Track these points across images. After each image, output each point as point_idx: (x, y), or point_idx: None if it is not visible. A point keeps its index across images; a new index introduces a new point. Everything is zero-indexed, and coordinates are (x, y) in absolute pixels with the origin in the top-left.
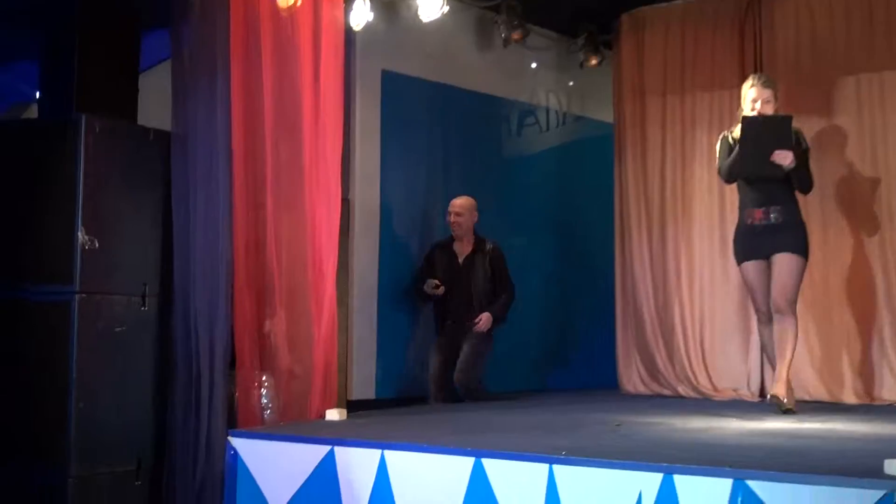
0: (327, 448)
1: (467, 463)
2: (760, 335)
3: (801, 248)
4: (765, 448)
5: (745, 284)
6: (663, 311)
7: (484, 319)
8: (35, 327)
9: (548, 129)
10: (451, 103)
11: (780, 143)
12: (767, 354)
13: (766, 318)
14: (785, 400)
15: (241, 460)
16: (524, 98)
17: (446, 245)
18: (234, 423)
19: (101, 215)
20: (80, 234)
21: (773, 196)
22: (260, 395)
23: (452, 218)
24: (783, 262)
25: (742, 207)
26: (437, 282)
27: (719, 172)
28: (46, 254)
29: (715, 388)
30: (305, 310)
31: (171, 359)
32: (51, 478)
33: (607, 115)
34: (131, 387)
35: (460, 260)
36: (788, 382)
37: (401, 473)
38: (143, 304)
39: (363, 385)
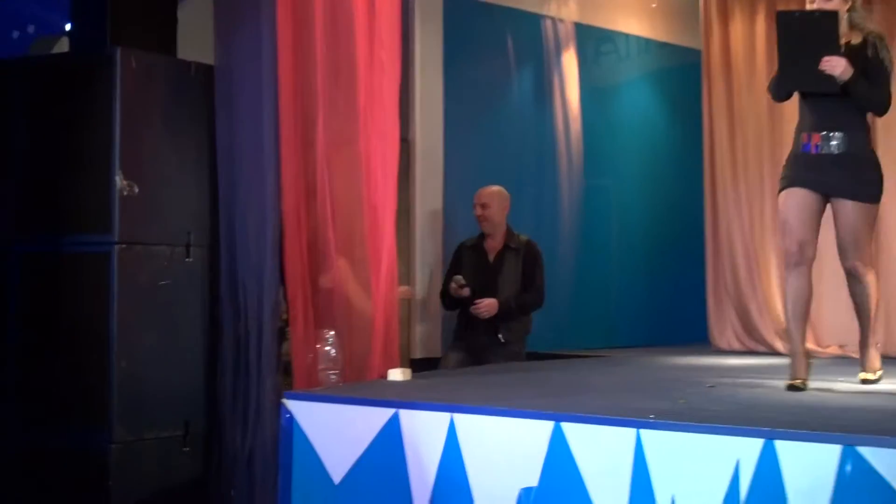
0: (391, 411)
1: (546, 427)
2: (787, 285)
3: (869, 191)
4: (876, 411)
5: (779, 215)
6: (758, 260)
7: (486, 303)
8: (72, 281)
9: (628, 56)
10: (519, 30)
11: (827, 47)
12: (788, 311)
13: (795, 262)
14: (874, 375)
15: (298, 424)
16: (600, 23)
17: (476, 243)
18: (289, 386)
19: (141, 158)
20: (117, 178)
21: (835, 118)
22: (317, 355)
23: (479, 211)
24: (847, 213)
25: (798, 131)
26: (461, 278)
27: (768, 88)
28: (82, 202)
29: (818, 344)
30: (362, 261)
31: (218, 316)
32: (92, 443)
33: (694, 41)
34: (178, 346)
35: (490, 258)
36: (873, 349)
37: (472, 439)
38: (188, 255)
39: (428, 342)
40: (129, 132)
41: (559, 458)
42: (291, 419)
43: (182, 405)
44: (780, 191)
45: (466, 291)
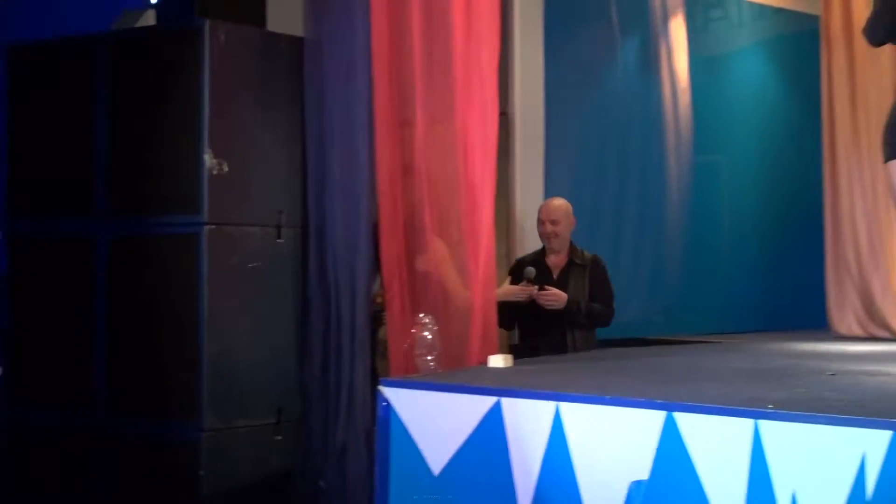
0: (493, 400)
1: (657, 418)
2: None
3: None
4: None
5: (892, 188)
6: (882, 240)
7: (554, 292)
8: (159, 264)
9: (740, 24)
10: None
11: None
12: None
13: None
14: None
15: (395, 413)
16: None
17: (536, 259)
18: (385, 372)
19: (230, 135)
20: (206, 156)
21: None
22: (413, 340)
23: (548, 228)
24: None
25: None
26: (533, 270)
27: (863, 31)
28: (169, 181)
29: None
30: (460, 243)
31: (308, 298)
32: (182, 431)
33: (812, 7)
34: (270, 330)
35: (555, 275)
36: None
37: (579, 429)
38: (279, 236)
39: None
40: (218, 108)
41: (672, 451)
42: (389, 407)
43: (274, 392)
44: (887, 160)
45: (534, 290)
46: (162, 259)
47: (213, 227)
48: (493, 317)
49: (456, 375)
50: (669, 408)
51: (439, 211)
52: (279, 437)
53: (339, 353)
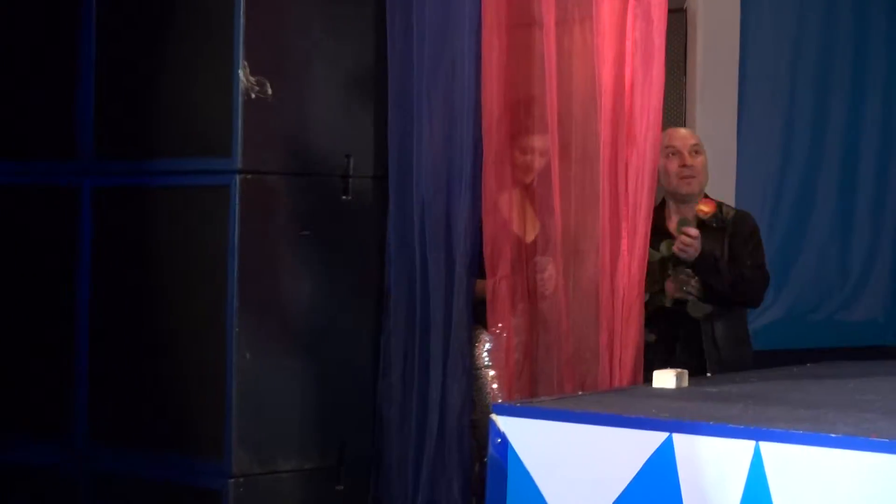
0: (661, 436)
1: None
2: None
3: None
4: None
5: None
6: None
7: (695, 236)
8: (171, 229)
9: None
10: None
11: None
12: None
13: None
14: None
15: (514, 452)
16: None
17: (654, 216)
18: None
19: (275, 45)
20: (241, 73)
21: None
22: (532, 348)
23: (686, 160)
24: None
25: None
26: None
27: None
28: (184, 110)
29: None
30: (596, 207)
31: (385, 286)
32: (201, 476)
33: None
34: (329, 330)
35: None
36: None
37: (786, 477)
38: (346, 192)
39: None
40: (258, 2)
41: None
42: (505, 445)
43: (336, 420)
44: None
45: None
46: (173, 222)
47: (250, 176)
48: (639, 317)
49: (605, 400)
50: None
51: (572, 158)
52: (341, 487)
53: (426, 360)
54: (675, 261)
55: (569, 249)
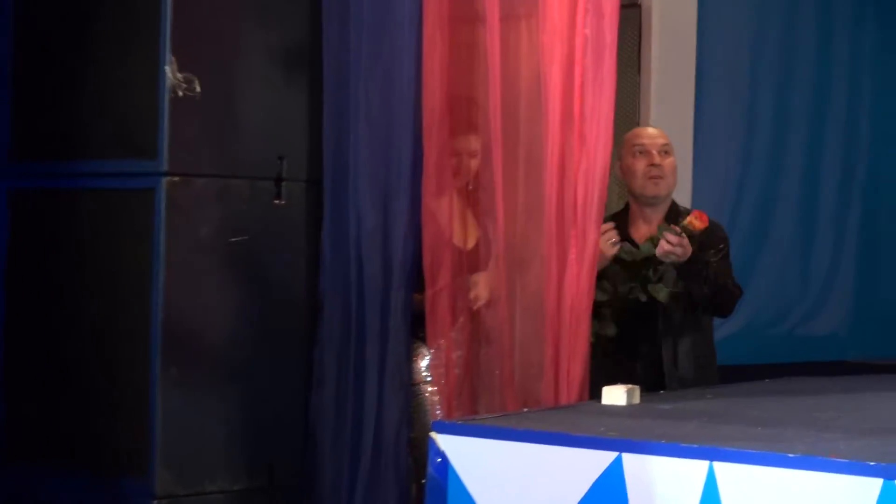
0: (611, 456)
1: (870, 488)
2: None
3: None
4: None
5: None
6: None
7: (677, 241)
8: (92, 235)
9: None
10: None
11: None
12: None
13: None
14: None
15: (455, 473)
16: None
17: (617, 224)
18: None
19: (204, 39)
20: (168, 69)
21: None
22: (473, 363)
23: (655, 159)
24: None
25: None
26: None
27: None
28: (107, 108)
29: None
30: (537, 209)
31: (319, 296)
32: (122, 498)
33: None
34: (260, 342)
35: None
36: None
37: (740, 500)
38: (279, 195)
39: None
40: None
41: None
42: (445, 465)
43: (267, 438)
44: None
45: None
46: (95, 227)
47: (176, 178)
48: (586, 330)
49: (551, 417)
50: (888, 473)
51: (516, 161)
52: None
53: (363, 378)
54: (657, 262)
55: (512, 258)
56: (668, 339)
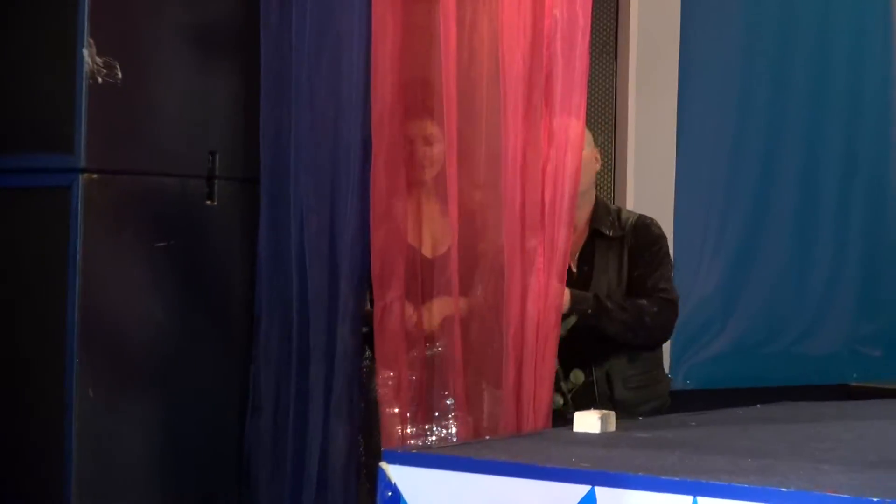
0: (583, 490)
1: None
2: None
3: None
4: None
5: None
6: None
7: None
8: (4, 237)
9: None
10: None
11: None
12: None
13: None
14: None
15: None
16: None
17: None
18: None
19: (127, 20)
20: (86, 53)
21: None
22: (428, 384)
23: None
24: None
25: None
26: None
27: None
28: (22, 96)
29: None
30: (495, 218)
31: (255, 308)
32: None
33: None
34: (190, 361)
35: (574, 260)
36: None
37: None
38: (210, 196)
39: None
40: None
41: None
42: (397, 498)
43: (197, 466)
44: None
45: None
46: (5, 229)
47: (95, 175)
48: (553, 351)
49: (516, 446)
50: None
51: (474, 157)
52: None
53: (306, 402)
54: None
55: (468, 266)
56: (601, 370)
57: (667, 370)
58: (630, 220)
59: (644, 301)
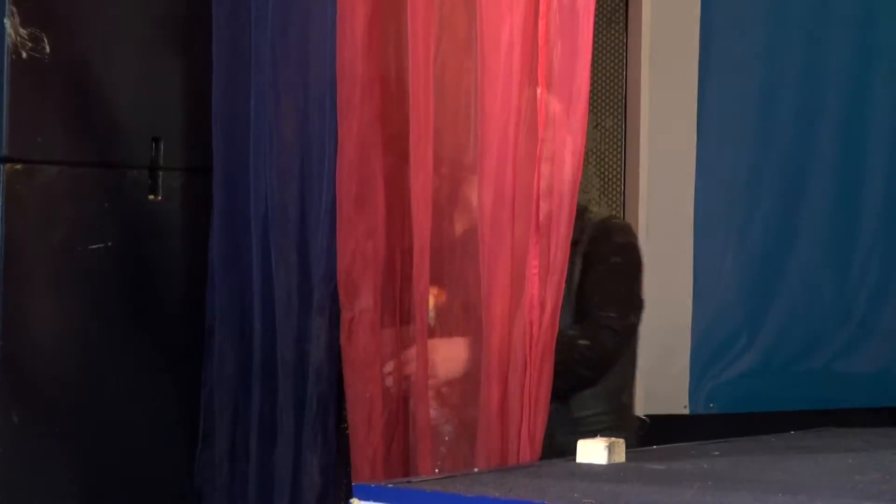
0: None
1: None
2: None
3: None
4: None
5: None
6: None
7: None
8: None
9: None
10: None
11: None
12: None
13: None
14: None
15: None
16: None
17: None
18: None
19: None
20: (7, 23)
21: None
22: (405, 409)
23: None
24: None
25: None
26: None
27: None
28: None
29: None
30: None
31: (207, 321)
32: None
33: None
34: (129, 385)
35: None
36: None
37: None
38: (154, 191)
39: (661, 393)
40: None
41: None
42: None
43: (140, 503)
44: None
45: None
46: None
47: (19, 166)
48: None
49: (509, 479)
50: None
51: (456, 145)
52: None
53: (272, 428)
54: None
55: (451, 272)
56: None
57: (685, 391)
58: (593, 220)
59: (575, 331)
